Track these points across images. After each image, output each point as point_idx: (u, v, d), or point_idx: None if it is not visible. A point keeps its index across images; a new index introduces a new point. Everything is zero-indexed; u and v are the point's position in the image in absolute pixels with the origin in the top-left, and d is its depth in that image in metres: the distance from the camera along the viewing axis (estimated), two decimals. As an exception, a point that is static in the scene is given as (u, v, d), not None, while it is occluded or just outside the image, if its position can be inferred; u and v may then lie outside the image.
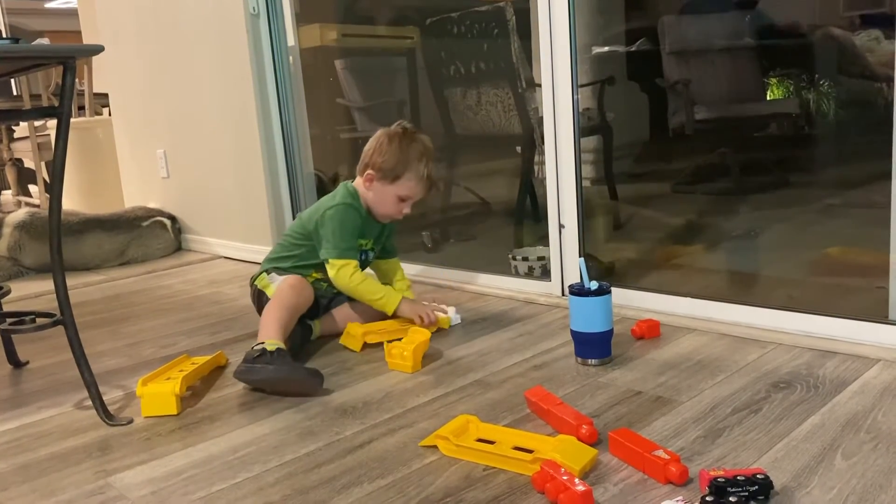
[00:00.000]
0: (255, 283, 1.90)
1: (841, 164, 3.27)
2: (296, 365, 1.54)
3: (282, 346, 1.56)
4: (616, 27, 3.67)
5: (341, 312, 1.90)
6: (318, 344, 1.83)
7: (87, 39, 4.63)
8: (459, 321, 1.91)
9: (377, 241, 1.96)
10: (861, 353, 1.50)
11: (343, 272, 1.81)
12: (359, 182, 1.90)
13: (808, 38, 3.38)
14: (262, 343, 1.56)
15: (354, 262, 1.84)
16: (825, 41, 3.33)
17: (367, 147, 1.90)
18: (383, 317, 1.90)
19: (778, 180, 3.27)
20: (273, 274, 1.86)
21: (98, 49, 1.39)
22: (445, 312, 1.91)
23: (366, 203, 1.89)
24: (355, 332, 1.77)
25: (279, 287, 1.77)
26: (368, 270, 1.97)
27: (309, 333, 1.83)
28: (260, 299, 1.85)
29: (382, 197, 1.86)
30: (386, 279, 2.03)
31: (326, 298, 1.92)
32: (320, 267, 1.87)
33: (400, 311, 1.83)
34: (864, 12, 3.31)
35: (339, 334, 1.86)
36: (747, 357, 1.53)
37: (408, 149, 1.84)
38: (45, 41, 1.57)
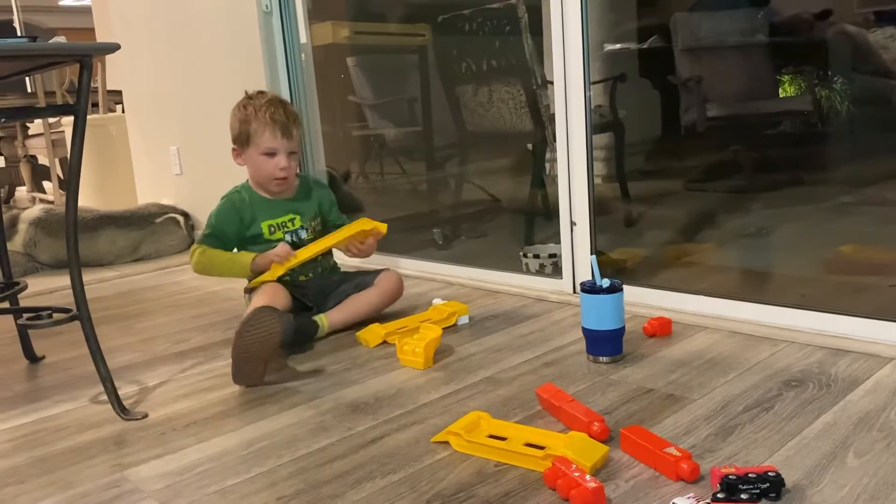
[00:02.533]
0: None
1: (854, 161, 3.24)
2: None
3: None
4: (628, 24, 3.66)
5: (349, 305, 1.90)
6: (329, 341, 1.83)
7: (101, 37, 4.65)
8: (467, 321, 1.91)
9: (305, 217, 1.95)
10: (874, 352, 1.49)
11: (192, 255, 1.87)
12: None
13: (822, 34, 3.36)
14: None
15: (204, 247, 1.88)
16: (839, 38, 3.30)
17: None
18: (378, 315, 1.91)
19: (791, 178, 3.25)
20: (247, 296, 1.91)
21: (114, 47, 1.40)
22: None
23: (256, 182, 1.93)
24: (377, 331, 1.78)
25: (255, 295, 1.81)
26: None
27: (315, 330, 1.82)
28: None
29: (253, 165, 1.90)
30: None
31: (313, 287, 1.92)
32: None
33: (255, 265, 1.85)
34: (878, 9, 3.29)
35: (346, 329, 1.87)
36: (759, 355, 1.53)
37: (244, 110, 1.88)
38: (61, 39, 1.59)
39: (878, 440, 1.14)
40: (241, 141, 1.88)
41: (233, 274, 1.91)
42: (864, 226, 2.61)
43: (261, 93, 1.92)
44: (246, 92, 1.93)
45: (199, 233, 3.32)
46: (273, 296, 1.77)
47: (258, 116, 1.85)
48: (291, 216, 1.93)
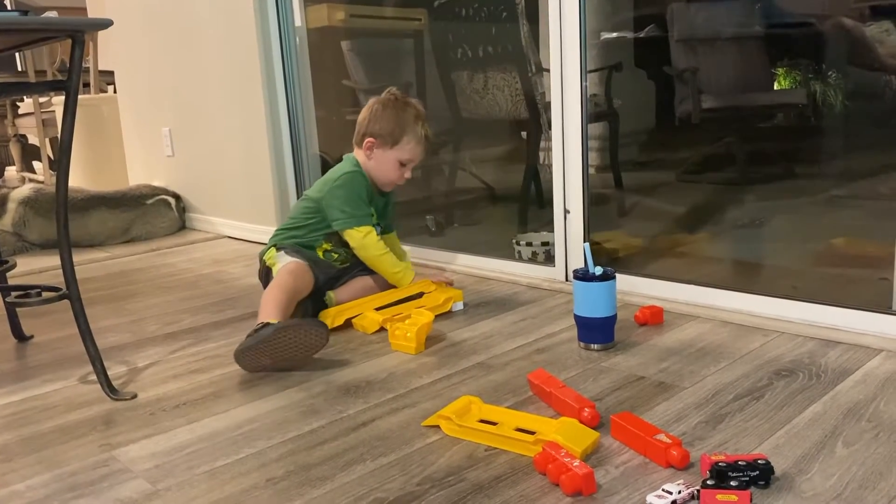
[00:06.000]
0: (264, 258, 1.91)
1: (847, 155, 3.26)
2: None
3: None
4: (625, 13, 3.65)
5: (353, 287, 1.92)
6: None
7: (93, 16, 4.61)
8: (462, 307, 1.91)
9: (381, 216, 2.00)
10: (864, 343, 1.50)
11: (369, 240, 1.88)
12: (358, 153, 1.94)
13: (818, 28, 3.36)
14: (263, 321, 1.57)
15: (373, 229, 1.90)
16: (835, 31, 3.30)
17: (360, 117, 1.94)
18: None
19: (784, 171, 3.27)
20: (282, 252, 1.88)
21: (107, 23, 1.38)
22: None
23: (368, 173, 1.93)
24: (373, 317, 1.77)
25: (279, 272, 1.79)
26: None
27: (323, 307, 1.84)
28: (267, 277, 1.87)
29: (383, 163, 1.91)
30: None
31: (335, 270, 1.93)
32: (331, 237, 1.90)
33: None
34: (874, 3, 3.29)
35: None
36: (750, 345, 1.53)
37: (403, 113, 1.89)
38: (53, 14, 1.57)
39: (866, 430, 1.14)
40: (388, 140, 1.88)
41: (386, 276, 1.92)
42: (856, 219, 2.62)
43: (405, 97, 1.94)
44: (394, 92, 1.93)
45: (191, 215, 3.30)
46: (301, 276, 1.78)
47: (415, 128, 1.88)
48: (373, 210, 1.96)
